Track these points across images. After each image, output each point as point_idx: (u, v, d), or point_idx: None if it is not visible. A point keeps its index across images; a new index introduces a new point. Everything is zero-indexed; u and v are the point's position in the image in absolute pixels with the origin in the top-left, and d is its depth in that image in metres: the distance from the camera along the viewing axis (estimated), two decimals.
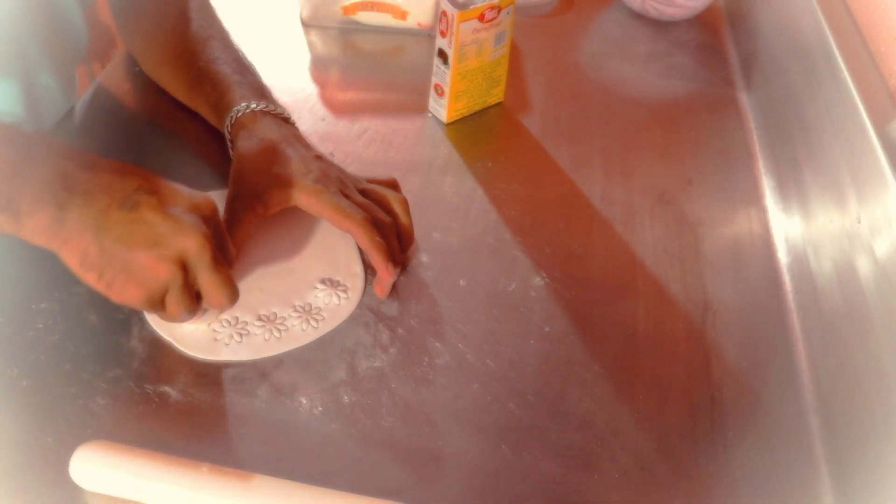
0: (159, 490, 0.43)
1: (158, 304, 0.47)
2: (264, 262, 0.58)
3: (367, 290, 0.57)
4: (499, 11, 0.68)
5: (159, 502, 0.43)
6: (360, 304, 0.56)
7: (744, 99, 0.81)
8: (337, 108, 0.75)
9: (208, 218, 0.47)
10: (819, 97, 0.64)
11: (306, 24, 0.86)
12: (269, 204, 0.56)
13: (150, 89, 0.74)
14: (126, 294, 0.46)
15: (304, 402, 0.50)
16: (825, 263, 0.57)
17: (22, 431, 0.47)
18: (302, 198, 0.56)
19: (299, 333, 0.54)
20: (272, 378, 0.51)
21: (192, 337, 0.53)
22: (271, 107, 0.61)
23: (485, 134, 0.75)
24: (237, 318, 0.54)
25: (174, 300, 0.47)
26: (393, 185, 0.62)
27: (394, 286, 0.58)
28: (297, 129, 0.62)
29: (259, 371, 0.52)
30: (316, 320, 0.55)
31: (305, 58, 0.82)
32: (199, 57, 0.65)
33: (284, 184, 0.56)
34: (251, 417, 0.49)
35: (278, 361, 0.52)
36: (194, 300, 0.48)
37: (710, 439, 0.50)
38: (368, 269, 0.59)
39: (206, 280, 0.47)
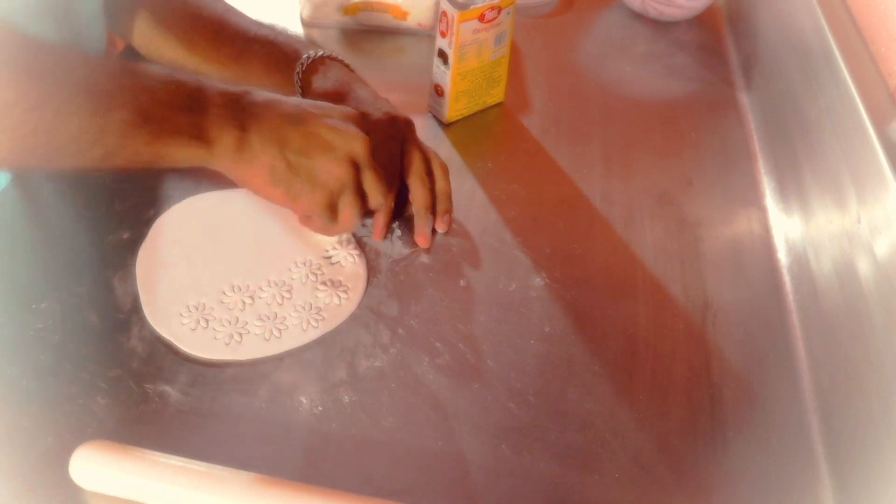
0: (159, 490, 0.43)
1: (335, 210, 0.54)
2: (260, 252, 0.58)
3: (367, 290, 0.57)
4: (499, 12, 0.68)
5: (159, 502, 0.43)
6: (361, 304, 0.56)
7: (744, 99, 0.81)
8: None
9: (359, 122, 0.55)
10: (819, 97, 0.64)
11: (306, 24, 0.86)
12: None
13: None
14: (312, 200, 0.53)
15: (304, 402, 0.50)
16: (825, 264, 0.57)
17: (22, 431, 0.47)
18: (371, 128, 0.59)
19: (299, 333, 0.54)
20: (272, 378, 0.51)
21: (193, 337, 0.53)
22: (332, 54, 0.65)
23: (485, 134, 0.75)
24: (237, 318, 0.54)
25: (348, 202, 0.54)
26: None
27: (393, 286, 0.58)
28: (356, 73, 0.67)
29: (259, 371, 0.52)
30: (316, 320, 0.55)
31: None
32: (237, 27, 0.68)
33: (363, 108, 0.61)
34: (251, 417, 0.49)
35: (278, 361, 0.52)
36: (363, 201, 0.55)
37: (710, 439, 0.51)
38: (370, 270, 0.59)
39: (369, 178, 0.54)
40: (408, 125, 0.62)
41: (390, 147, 0.59)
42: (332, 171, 0.52)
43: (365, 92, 0.63)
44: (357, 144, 0.53)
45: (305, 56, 0.64)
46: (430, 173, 0.62)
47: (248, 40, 0.67)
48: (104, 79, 0.47)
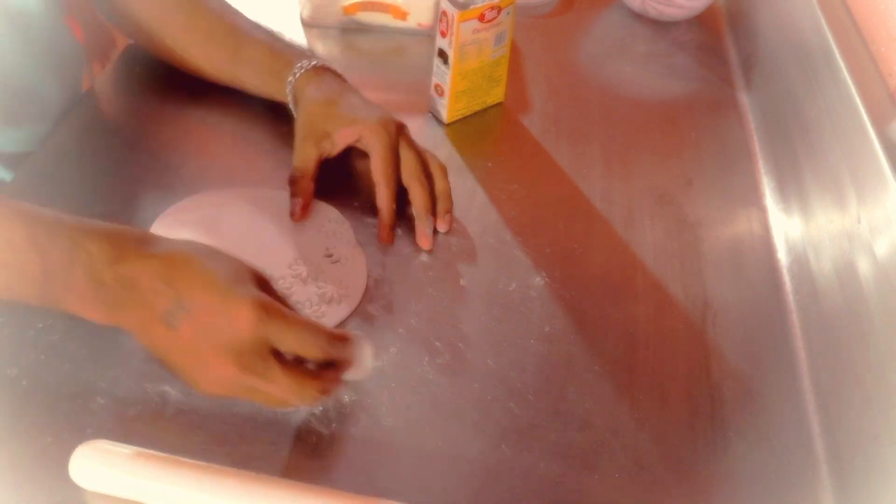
0: (159, 490, 0.43)
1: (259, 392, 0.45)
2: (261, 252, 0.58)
3: (367, 290, 0.57)
4: (499, 11, 0.68)
5: (159, 502, 0.43)
6: (361, 304, 0.56)
7: (744, 99, 0.81)
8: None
9: (249, 317, 0.43)
10: (819, 97, 0.64)
11: (307, 24, 0.86)
12: (337, 140, 0.61)
13: (151, 88, 0.74)
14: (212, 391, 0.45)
15: None
16: (825, 264, 0.57)
17: (22, 431, 0.47)
18: (366, 133, 0.60)
19: None
20: None
21: None
22: (325, 63, 0.65)
23: (485, 134, 0.75)
24: None
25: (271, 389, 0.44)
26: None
27: (393, 286, 0.58)
28: (348, 83, 0.66)
29: None
30: (316, 319, 0.54)
31: None
32: (230, 30, 0.67)
33: (351, 122, 0.61)
34: (251, 417, 0.49)
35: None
36: (296, 374, 0.44)
37: (710, 439, 0.51)
38: (370, 270, 0.59)
39: (291, 339, 0.43)
40: (400, 129, 0.62)
41: (385, 153, 0.60)
42: (214, 383, 0.44)
43: (356, 99, 0.63)
44: (245, 328, 0.42)
45: (298, 65, 0.64)
46: (428, 174, 0.62)
47: (244, 42, 0.67)
48: None
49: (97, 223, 0.46)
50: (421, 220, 0.61)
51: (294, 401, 0.45)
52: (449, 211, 0.62)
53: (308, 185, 0.61)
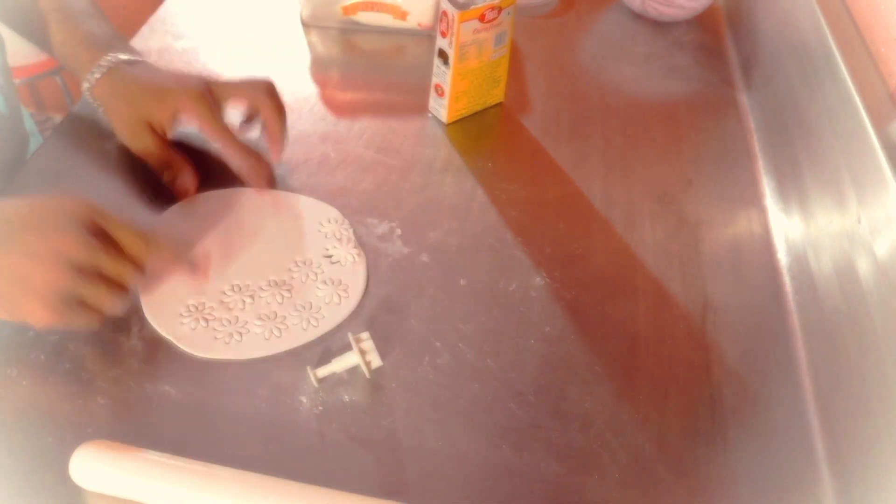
0: (159, 490, 0.43)
1: (75, 313, 0.48)
2: (260, 250, 0.58)
3: (367, 289, 0.57)
4: (499, 12, 0.68)
5: (159, 502, 0.43)
6: (361, 304, 0.56)
7: (744, 99, 0.81)
8: (337, 109, 0.75)
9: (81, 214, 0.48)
10: (819, 98, 0.64)
11: (306, 25, 0.86)
12: (164, 123, 0.60)
13: None
14: (37, 317, 0.47)
15: (304, 401, 0.50)
16: (825, 264, 0.57)
17: (22, 431, 0.47)
18: (179, 107, 0.59)
19: (299, 332, 0.54)
20: (272, 378, 0.51)
21: (193, 336, 0.53)
22: (124, 55, 0.62)
23: (485, 134, 0.75)
24: (237, 318, 0.54)
25: (87, 295, 0.48)
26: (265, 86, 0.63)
27: (393, 286, 0.58)
28: (145, 60, 0.64)
29: (259, 371, 0.52)
30: (316, 319, 0.55)
31: (305, 58, 0.82)
32: (48, 3, 0.65)
33: (160, 102, 0.60)
34: (251, 417, 0.49)
35: (278, 361, 0.52)
36: (108, 283, 0.48)
37: (710, 439, 0.51)
38: (370, 270, 0.59)
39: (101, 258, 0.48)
40: (205, 84, 0.61)
41: (208, 117, 0.60)
42: (43, 283, 0.46)
43: (162, 74, 0.62)
44: (66, 239, 0.46)
45: (88, 77, 0.62)
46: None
47: (62, 29, 0.64)
48: None
49: None
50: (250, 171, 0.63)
51: (114, 289, 0.49)
52: (282, 135, 0.64)
53: (171, 156, 0.62)
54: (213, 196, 0.63)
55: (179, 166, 0.62)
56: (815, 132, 0.64)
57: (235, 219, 0.61)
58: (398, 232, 0.62)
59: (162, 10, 0.86)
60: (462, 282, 0.59)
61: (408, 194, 0.66)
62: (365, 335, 0.51)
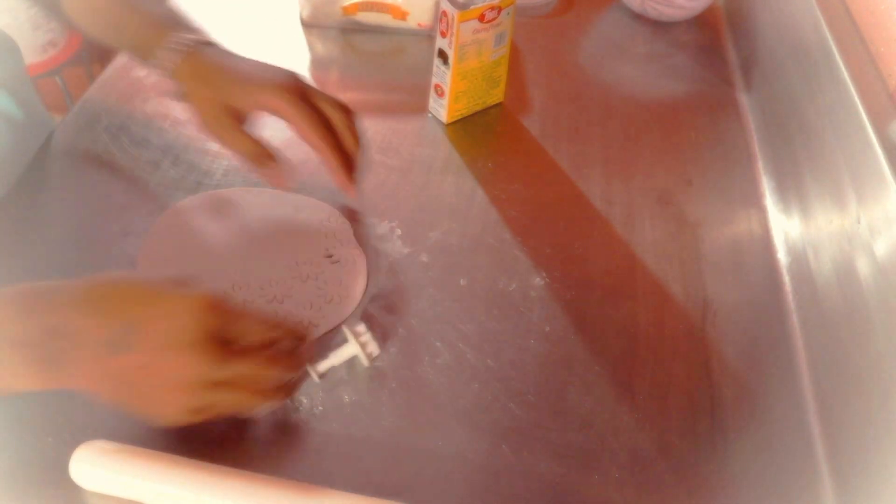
0: (159, 490, 0.43)
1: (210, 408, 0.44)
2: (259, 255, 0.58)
3: (367, 289, 0.57)
4: (499, 12, 0.68)
5: (159, 502, 0.43)
6: (361, 304, 0.56)
7: (744, 99, 0.81)
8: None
9: (207, 310, 0.42)
10: (819, 98, 0.64)
11: (306, 24, 0.86)
12: (251, 113, 0.57)
13: (149, 90, 0.74)
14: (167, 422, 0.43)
15: (305, 401, 0.50)
16: (825, 264, 0.57)
17: (22, 431, 0.47)
18: (272, 102, 0.56)
19: None
20: None
21: None
22: (203, 36, 0.59)
23: (485, 134, 0.75)
24: None
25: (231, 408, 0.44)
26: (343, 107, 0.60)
27: (393, 286, 0.58)
28: (224, 49, 0.61)
29: None
30: (316, 319, 0.55)
31: (305, 58, 0.82)
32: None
33: (252, 93, 0.56)
34: (252, 417, 0.49)
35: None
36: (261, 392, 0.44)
37: (710, 439, 0.51)
38: (370, 270, 0.59)
39: (240, 325, 0.43)
40: (299, 80, 0.58)
41: (304, 115, 0.56)
42: (176, 399, 0.42)
43: (243, 66, 0.58)
44: (189, 366, 0.41)
45: (171, 46, 0.57)
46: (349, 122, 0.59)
47: (124, 13, 0.61)
48: None
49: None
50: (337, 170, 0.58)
51: (256, 395, 0.44)
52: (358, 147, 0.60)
53: (263, 151, 0.57)
54: (214, 195, 0.63)
55: (265, 157, 0.58)
56: (815, 132, 0.64)
57: (236, 219, 0.61)
58: (398, 232, 0.62)
59: None
60: (462, 282, 0.59)
61: (408, 194, 0.66)
62: (361, 327, 0.51)
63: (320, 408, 0.50)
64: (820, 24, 0.66)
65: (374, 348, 0.51)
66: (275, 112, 0.56)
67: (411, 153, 0.70)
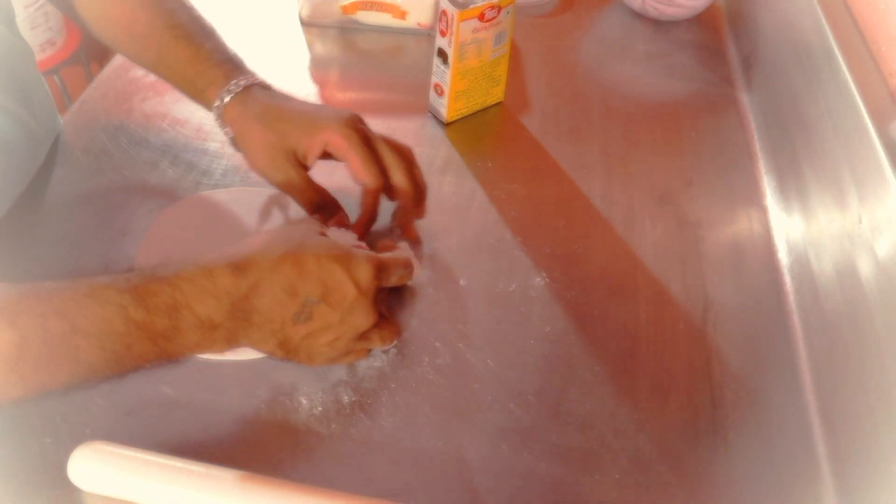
0: (158, 490, 0.43)
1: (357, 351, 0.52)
2: None
3: None
4: (499, 11, 0.68)
5: (158, 503, 0.43)
6: None
7: (744, 99, 0.81)
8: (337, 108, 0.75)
9: (371, 290, 0.48)
10: (819, 97, 0.64)
11: (306, 24, 0.86)
12: (308, 154, 0.56)
13: (148, 89, 0.74)
14: (328, 360, 0.51)
15: (304, 402, 0.50)
16: (826, 264, 0.57)
17: (20, 431, 0.47)
18: (333, 138, 0.55)
19: None
20: (272, 378, 0.51)
21: None
22: (250, 78, 0.58)
23: (485, 134, 0.74)
24: None
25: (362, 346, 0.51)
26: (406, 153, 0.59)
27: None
28: (280, 91, 0.60)
29: (259, 371, 0.51)
30: None
31: (305, 57, 0.82)
32: (153, 30, 0.60)
33: (312, 131, 0.55)
34: (251, 417, 0.49)
35: (278, 361, 0.52)
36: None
37: (710, 439, 0.50)
38: None
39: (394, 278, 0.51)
40: (361, 122, 0.57)
41: (365, 154, 0.55)
42: (333, 351, 0.49)
43: (301, 106, 0.58)
44: (363, 322, 0.48)
45: (226, 89, 0.57)
46: (408, 166, 0.58)
47: (167, 48, 0.59)
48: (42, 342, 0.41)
49: (159, 270, 0.45)
50: (408, 212, 0.59)
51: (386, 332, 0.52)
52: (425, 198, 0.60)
53: (326, 197, 0.58)
54: (214, 195, 0.63)
55: (328, 203, 0.58)
56: (816, 131, 0.63)
57: (235, 219, 0.61)
58: (398, 232, 0.62)
59: None
60: (462, 282, 0.59)
61: None
62: (403, 244, 0.58)
63: (320, 408, 0.50)
64: (821, 24, 0.66)
65: (416, 266, 0.55)
66: (336, 150, 0.55)
67: None
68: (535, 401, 0.51)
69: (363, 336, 0.50)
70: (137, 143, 0.68)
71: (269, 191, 0.64)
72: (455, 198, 0.66)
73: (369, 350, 0.52)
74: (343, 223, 0.58)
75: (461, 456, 0.48)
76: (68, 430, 0.47)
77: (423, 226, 0.63)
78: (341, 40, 0.85)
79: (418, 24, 0.84)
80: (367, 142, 0.56)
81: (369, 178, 0.56)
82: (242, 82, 0.57)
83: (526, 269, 0.60)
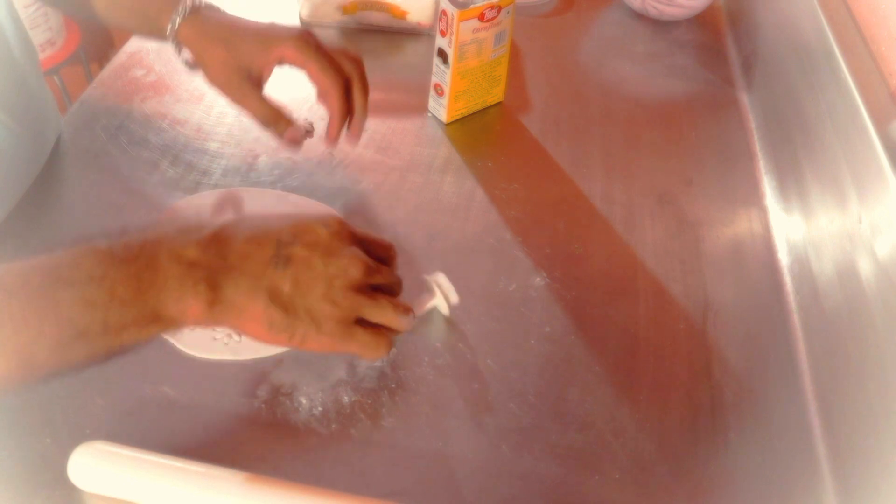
0: (158, 490, 0.43)
1: (356, 336, 0.46)
2: None
3: None
4: (499, 11, 0.68)
5: (158, 503, 0.43)
6: None
7: (744, 99, 0.81)
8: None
9: (345, 236, 0.47)
10: (819, 97, 0.64)
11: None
12: (264, 70, 0.57)
13: (148, 89, 0.74)
14: (321, 341, 0.45)
15: (304, 402, 0.50)
16: (826, 264, 0.57)
17: (20, 431, 0.47)
18: (289, 52, 0.56)
19: None
20: (272, 378, 0.51)
21: (192, 337, 0.52)
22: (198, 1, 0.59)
23: (485, 134, 0.74)
24: None
25: (362, 331, 0.46)
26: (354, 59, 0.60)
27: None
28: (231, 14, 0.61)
29: (259, 371, 0.51)
30: None
31: None
32: None
33: (267, 46, 0.56)
34: (251, 417, 0.49)
35: (278, 361, 0.52)
36: (379, 320, 0.47)
37: (710, 440, 0.50)
38: None
39: (373, 306, 0.46)
40: (312, 35, 0.58)
41: (322, 61, 0.57)
42: (335, 306, 0.45)
43: (253, 24, 0.59)
44: (353, 269, 0.45)
45: (175, 13, 0.57)
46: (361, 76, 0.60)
47: None
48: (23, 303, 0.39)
49: (138, 235, 0.43)
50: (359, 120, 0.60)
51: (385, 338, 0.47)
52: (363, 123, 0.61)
53: (271, 108, 0.58)
54: (214, 195, 0.63)
55: (282, 118, 0.59)
56: (816, 131, 0.63)
57: (235, 218, 0.61)
58: (398, 232, 0.62)
59: None
60: (462, 282, 0.59)
61: (407, 194, 0.66)
62: (441, 277, 0.54)
63: (319, 408, 0.50)
64: (821, 24, 0.66)
65: (454, 297, 0.54)
66: (292, 62, 0.57)
67: (411, 153, 0.70)
68: (535, 401, 0.51)
69: (370, 296, 0.46)
70: (137, 143, 0.68)
71: (268, 190, 0.64)
72: (455, 198, 0.66)
73: (391, 342, 0.48)
74: (295, 138, 0.59)
75: (461, 456, 0.48)
76: (68, 430, 0.47)
77: (423, 225, 0.63)
78: (341, 40, 0.85)
79: (418, 23, 0.84)
80: (321, 49, 0.57)
81: (330, 81, 0.57)
82: (189, 3, 0.58)
83: (526, 269, 0.60)
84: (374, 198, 0.65)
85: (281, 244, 0.44)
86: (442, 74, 0.71)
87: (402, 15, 0.84)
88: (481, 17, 0.67)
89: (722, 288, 0.60)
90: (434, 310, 0.55)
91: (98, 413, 0.48)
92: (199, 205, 0.62)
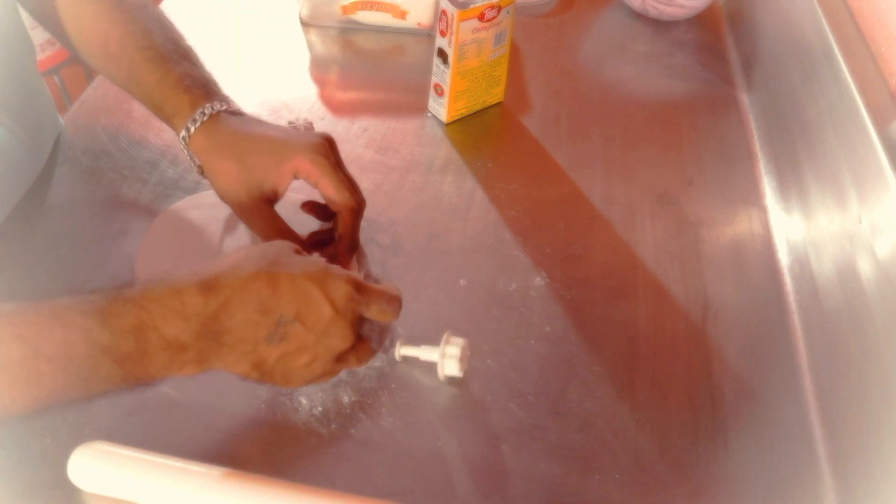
0: (157, 490, 0.43)
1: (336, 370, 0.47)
2: None
3: None
4: (499, 11, 0.68)
5: (158, 503, 0.43)
6: None
7: (744, 99, 0.81)
8: (336, 108, 0.75)
9: (349, 315, 0.45)
10: (819, 97, 0.64)
11: (306, 24, 0.86)
12: (278, 185, 0.54)
13: None
14: (307, 382, 0.46)
15: (304, 402, 0.50)
16: (826, 264, 0.57)
17: (20, 432, 0.47)
18: (303, 165, 0.53)
19: None
20: None
21: None
22: (227, 105, 0.56)
23: (485, 134, 0.74)
24: None
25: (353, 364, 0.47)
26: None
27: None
28: (248, 116, 0.58)
29: None
30: None
31: (305, 57, 0.82)
32: (132, 43, 0.57)
33: (280, 159, 0.53)
34: (251, 417, 0.49)
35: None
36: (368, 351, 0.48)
37: (710, 439, 0.50)
38: (368, 272, 0.59)
39: (375, 309, 0.47)
40: (332, 144, 0.55)
41: (335, 176, 0.54)
42: (311, 374, 0.45)
43: (268, 131, 0.55)
44: (341, 345, 0.45)
45: (190, 120, 0.54)
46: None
47: (139, 69, 0.56)
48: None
49: (125, 291, 0.42)
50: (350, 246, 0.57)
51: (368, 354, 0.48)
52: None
53: (287, 234, 0.54)
54: (212, 196, 0.63)
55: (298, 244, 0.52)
56: (816, 131, 0.63)
57: (234, 219, 0.61)
58: (397, 231, 0.62)
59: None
60: (462, 282, 0.59)
61: (407, 194, 0.66)
62: (456, 344, 0.51)
63: (320, 408, 0.50)
64: (821, 24, 0.66)
65: (454, 369, 0.51)
66: (307, 177, 0.54)
67: (411, 153, 0.70)
68: (535, 401, 0.51)
69: (340, 358, 0.46)
70: (137, 143, 0.68)
71: None
72: (455, 198, 0.66)
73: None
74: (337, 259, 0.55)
75: (461, 456, 0.48)
76: (68, 430, 0.47)
77: (423, 225, 0.63)
78: (341, 40, 0.85)
79: (418, 24, 0.84)
80: (338, 166, 0.54)
81: (344, 201, 0.54)
82: (208, 111, 0.54)
83: (526, 269, 0.60)
84: (374, 198, 0.65)
85: (281, 322, 0.43)
86: (442, 74, 0.71)
87: (402, 15, 0.84)
88: (481, 17, 0.67)
89: (722, 288, 0.60)
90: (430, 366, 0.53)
91: (98, 413, 0.48)
92: (198, 205, 0.62)
